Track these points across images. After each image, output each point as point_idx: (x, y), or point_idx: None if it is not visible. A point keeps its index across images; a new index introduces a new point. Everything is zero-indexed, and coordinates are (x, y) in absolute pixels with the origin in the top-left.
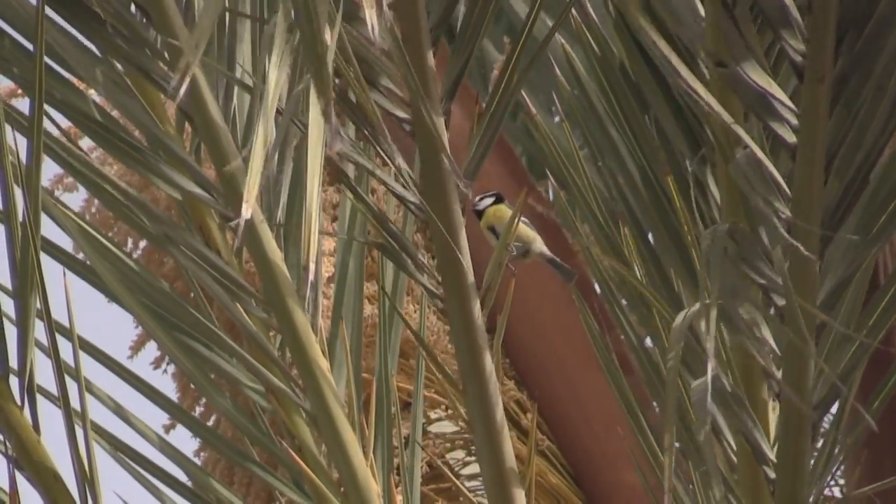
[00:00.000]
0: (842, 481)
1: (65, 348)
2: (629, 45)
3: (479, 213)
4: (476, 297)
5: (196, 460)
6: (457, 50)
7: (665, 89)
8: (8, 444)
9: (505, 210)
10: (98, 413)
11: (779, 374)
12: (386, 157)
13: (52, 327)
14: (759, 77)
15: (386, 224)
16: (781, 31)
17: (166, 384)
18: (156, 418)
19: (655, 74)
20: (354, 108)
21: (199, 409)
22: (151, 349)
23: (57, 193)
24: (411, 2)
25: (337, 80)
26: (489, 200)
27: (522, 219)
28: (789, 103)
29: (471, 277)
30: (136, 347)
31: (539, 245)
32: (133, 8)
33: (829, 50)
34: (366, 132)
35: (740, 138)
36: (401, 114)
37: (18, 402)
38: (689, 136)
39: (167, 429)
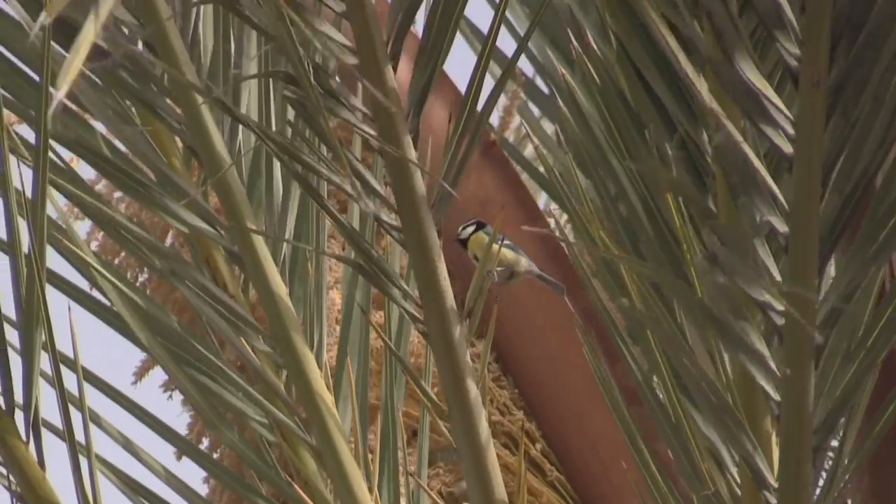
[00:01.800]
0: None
1: (69, 380)
2: (629, 73)
3: (464, 243)
4: (457, 321)
5: (204, 487)
6: (420, 65)
7: (665, 117)
8: (13, 479)
9: (484, 238)
10: (106, 448)
11: (778, 397)
12: (357, 178)
13: (57, 358)
14: (755, 78)
15: (362, 244)
16: (776, 32)
17: (167, 406)
18: (164, 450)
19: (656, 103)
20: (322, 128)
21: (205, 442)
22: (157, 375)
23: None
24: (363, 18)
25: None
26: (471, 229)
27: (506, 242)
28: (785, 110)
29: (451, 302)
30: (141, 374)
31: (524, 265)
32: (139, 43)
33: (824, 53)
34: (341, 153)
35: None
36: (368, 130)
37: (24, 438)
38: (690, 166)
39: (178, 456)
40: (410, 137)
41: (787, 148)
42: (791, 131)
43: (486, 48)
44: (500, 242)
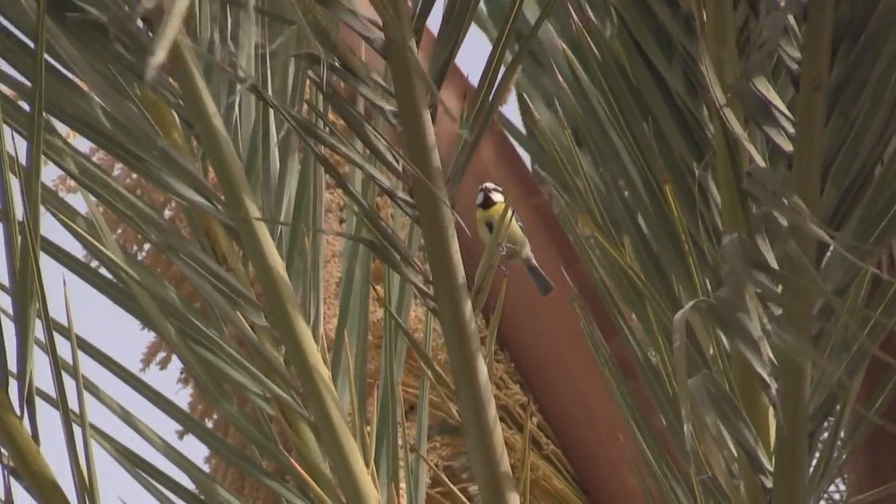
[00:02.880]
0: (842, 487)
1: (64, 350)
2: (630, 49)
3: (486, 203)
4: (467, 297)
5: (205, 467)
6: (441, 39)
7: (666, 93)
8: (6, 454)
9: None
10: (106, 421)
11: (775, 384)
12: (374, 153)
13: (50, 326)
14: (760, 84)
15: (376, 221)
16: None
17: (169, 381)
18: (165, 426)
19: (657, 79)
20: (340, 101)
21: (209, 422)
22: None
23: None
24: None
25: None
26: (500, 196)
27: (519, 223)
28: (786, 111)
29: (462, 278)
30: (148, 358)
31: (527, 251)
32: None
33: (824, 57)
34: (355, 128)
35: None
36: (387, 106)
37: (18, 413)
38: (690, 141)
39: (180, 435)
40: (429, 113)
41: (788, 146)
42: (791, 130)
43: (503, 33)
44: (514, 219)
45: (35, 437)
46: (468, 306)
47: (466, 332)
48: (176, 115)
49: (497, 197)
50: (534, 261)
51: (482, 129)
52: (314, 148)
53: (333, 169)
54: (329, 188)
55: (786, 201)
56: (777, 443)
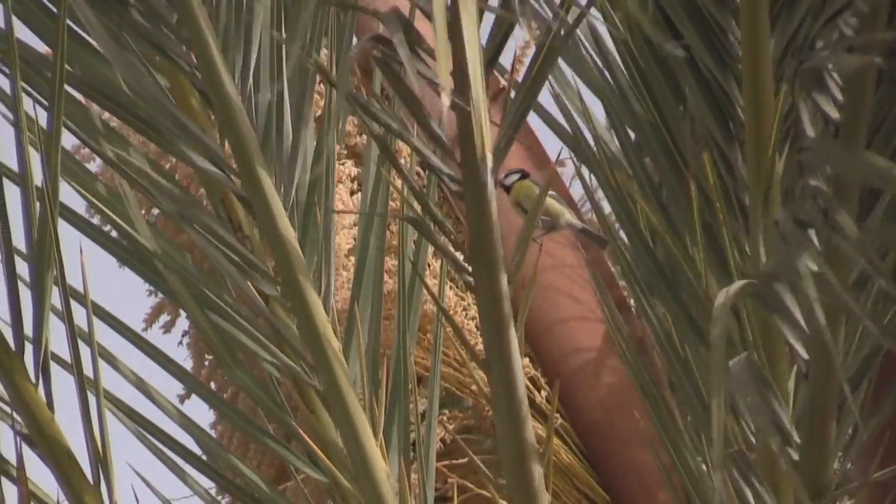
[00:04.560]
0: None
1: (80, 317)
2: (655, 16)
3: (507, 189)
4: (504, 271)
5: (212, 433)
6: (497, 18)
7: (693, 65)
8: (21, 421)
9: (531, 186)
10: (118, 387)
11: (807, 355)
12: (424, 128)
13: (67, 293)
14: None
15: (423, 199)
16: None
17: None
18: (170, 389)
19: (682, 46)
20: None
21: (213, 385)
22: (163, 319)
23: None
24: None
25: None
26: (515, 177)
27: (550, 192)
28: (835, 76)
29: (500, 251)
30: (151, 319)
31: (567, 218)
32: None
33: (880, 21)
34: (405, 102)
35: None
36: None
37: (33, 380)
38: (716, 113)
39: (182, 399)
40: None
41: (834, 113)
42: (839, 97)
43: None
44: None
45: (50, 404)
46: (504, 279)
47: (501, 305)
48: (192, 85)
49: (513, 177)
50: (577, 222)
51: (527, 108)
52: (367, 122)
53: (387, 147)
54: (339, 160)
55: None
56: (807, 415)
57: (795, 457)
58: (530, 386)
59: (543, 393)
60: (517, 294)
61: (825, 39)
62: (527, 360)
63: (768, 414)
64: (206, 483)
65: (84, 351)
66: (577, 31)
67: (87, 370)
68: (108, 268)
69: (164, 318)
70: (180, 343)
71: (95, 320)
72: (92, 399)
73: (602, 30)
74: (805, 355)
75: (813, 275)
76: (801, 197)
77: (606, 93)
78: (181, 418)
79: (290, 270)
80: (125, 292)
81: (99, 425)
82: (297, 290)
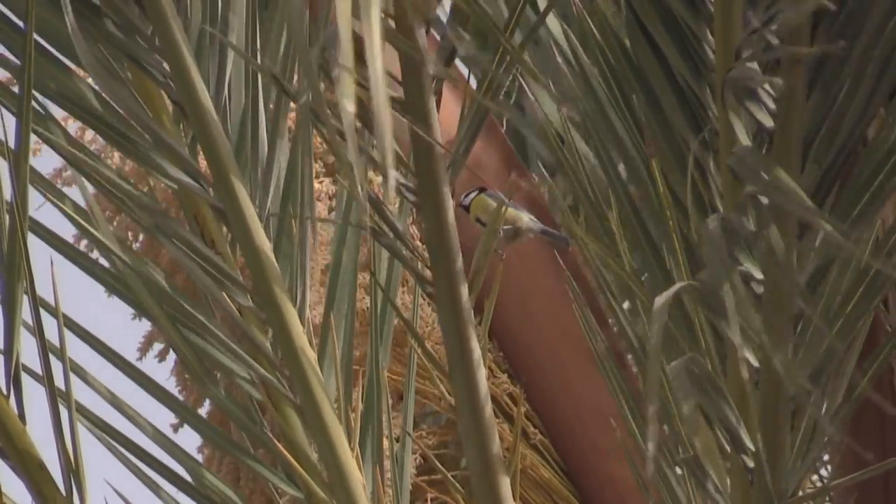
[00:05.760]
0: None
1: (52, 331)
2: (631, 25)
3: (467, 209)
4: (464, 281)
5: (198, 457)
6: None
7: (667, 71)
8: None
9: (486, 200)
10: (95, 405)
11: (756, 363)
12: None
13: (37, 305)
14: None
15: (382, 209)
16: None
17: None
18: (155, 414)
19: (658, 56)
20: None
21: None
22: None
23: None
24: None
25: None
26: (474, 195)
27: (506, 201)
28: (768, 87)
29: (459, 262)
30: (144, 348)
31: (526, 221)
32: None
33: (805, 32)
34: (360, 113)
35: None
36: (391, 93)
37: (4, 391)
38: (692, 123)
39: (175, 427)
40: (434, 99)
41: (768, 122)
42: (773, 106)
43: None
44: (505, 202)
45: (21, 415)
46: (465, 289)
47: (462, 314)
48: (165, 96)
49: (470, 196)
50: (538, 225)
51: (482, 118)
52: (320, 129)
53: (341, 154)
54: (318, 177)
55: (767, 178)
56: (760, 423)
57: (751, 464)
58: (508, 401)
59: (522, 408)
60: (480, 300)
61: (753, 47)
62: (505, 375)
63: (720, 420)
64: (183, 499)
65: (56, 365)
66: (553, 38)
67: (59, 382)
68: (98, 292)
69: (159, 345)
70: (172, 373)
71: (80, 342)
72: (63, 411)
73: (573, 39)
74: (755, 363)
75: (755, 279)
76: (741, 206)
77: (582, 101)
78: (162, 439)
79: (265, 281)
80: (115, 319)
81: (71, 438)
82: (272, 300)
